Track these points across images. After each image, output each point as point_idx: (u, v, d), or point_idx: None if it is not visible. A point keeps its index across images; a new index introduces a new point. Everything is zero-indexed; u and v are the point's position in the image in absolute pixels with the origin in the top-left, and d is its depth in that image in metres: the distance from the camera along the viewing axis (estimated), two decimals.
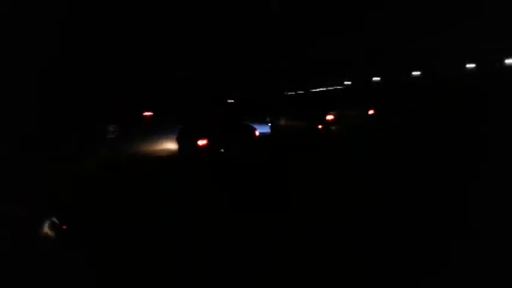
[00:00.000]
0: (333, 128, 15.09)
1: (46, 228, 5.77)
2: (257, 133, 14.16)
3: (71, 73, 26.18)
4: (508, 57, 30.00)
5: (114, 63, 29.42)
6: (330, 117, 15.02)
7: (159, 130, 18.92)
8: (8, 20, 20.84)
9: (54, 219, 5.99)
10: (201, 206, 9.35)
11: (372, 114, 15.48)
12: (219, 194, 9.70)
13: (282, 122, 16.78)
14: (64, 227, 6.13)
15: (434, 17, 33.94)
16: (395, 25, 35.51)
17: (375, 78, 38.45)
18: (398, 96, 20.34)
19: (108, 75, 27.63)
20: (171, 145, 16.31)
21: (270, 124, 17.47)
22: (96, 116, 21.28)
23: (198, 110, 18.51)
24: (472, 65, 32.91)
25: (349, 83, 40.76)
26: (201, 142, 13.20)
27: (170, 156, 15.40)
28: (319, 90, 27.06)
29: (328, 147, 13.40)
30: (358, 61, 40.19)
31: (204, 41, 37.27)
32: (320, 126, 15.10)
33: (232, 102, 27.11)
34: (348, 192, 8.77)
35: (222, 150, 13.24)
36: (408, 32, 35.52)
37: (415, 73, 35.97)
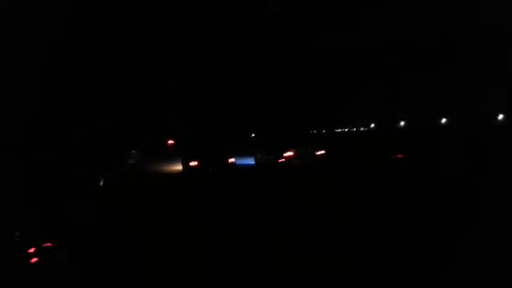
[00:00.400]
0: (293, 161, 20.40)
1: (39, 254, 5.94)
2: (230, 160, 20.04)
3: (75, 77, 26.25)
4: None
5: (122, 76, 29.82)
6: (289, 153, 20.61)
7: (177, 155, 22.90)
8: (8, 20, 20.83)
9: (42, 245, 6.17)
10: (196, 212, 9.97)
11: (322, 154, 20.86)
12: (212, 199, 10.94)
13: (259, 156, 21.84)
14: (49, 244, 6.29)
15: (435, 17, 33.91)
16: (395, 25, 35.47)
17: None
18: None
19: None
20: (180, 166, 21.50)
21: (254, 157, 22.15)
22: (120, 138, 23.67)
23: (196, 142, 24.75)
24: None
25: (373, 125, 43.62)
26: (193, 163, 19.99)
27: (177, 173, 20.71)
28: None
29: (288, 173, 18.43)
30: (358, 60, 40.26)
31: (204, 41, 37.28)
32: (283, 160, 20.66)
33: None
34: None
35: (211, 169, 19.58)
36: (408, 32, 35.51)
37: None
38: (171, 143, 26.61)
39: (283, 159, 20.62)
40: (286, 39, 38.21)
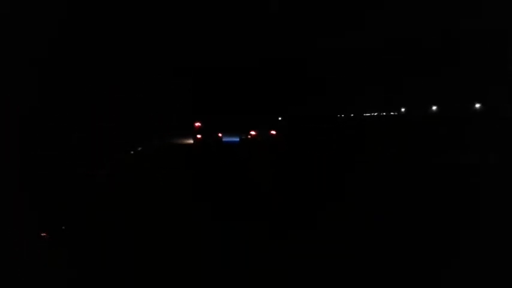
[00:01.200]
0: (257, 138, 34.49)
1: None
2: (219, 135, 33.94)
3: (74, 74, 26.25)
4: None
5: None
6: (253, 133, 34.74)
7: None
8: (8, 20, 20.82)
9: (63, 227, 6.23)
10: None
11: (273, 134, 34.19)
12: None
13: (242, 136, 35.42)
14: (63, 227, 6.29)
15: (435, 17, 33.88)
16: (395, 25, 35.44)
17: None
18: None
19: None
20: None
21: (239, 137, 35.77)
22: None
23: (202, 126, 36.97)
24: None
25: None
26: (199, 136, 33.55)
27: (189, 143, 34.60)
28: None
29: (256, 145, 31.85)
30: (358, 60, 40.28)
31: (204, 41, 37.27)
32: (250, 137, 34.83)
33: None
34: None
35: (208, 140, 32.97)
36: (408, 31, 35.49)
37: None
38: (198, 125, 36.20)
39: (250, 136, 35.07)
40: (286, 39, 38.19)
